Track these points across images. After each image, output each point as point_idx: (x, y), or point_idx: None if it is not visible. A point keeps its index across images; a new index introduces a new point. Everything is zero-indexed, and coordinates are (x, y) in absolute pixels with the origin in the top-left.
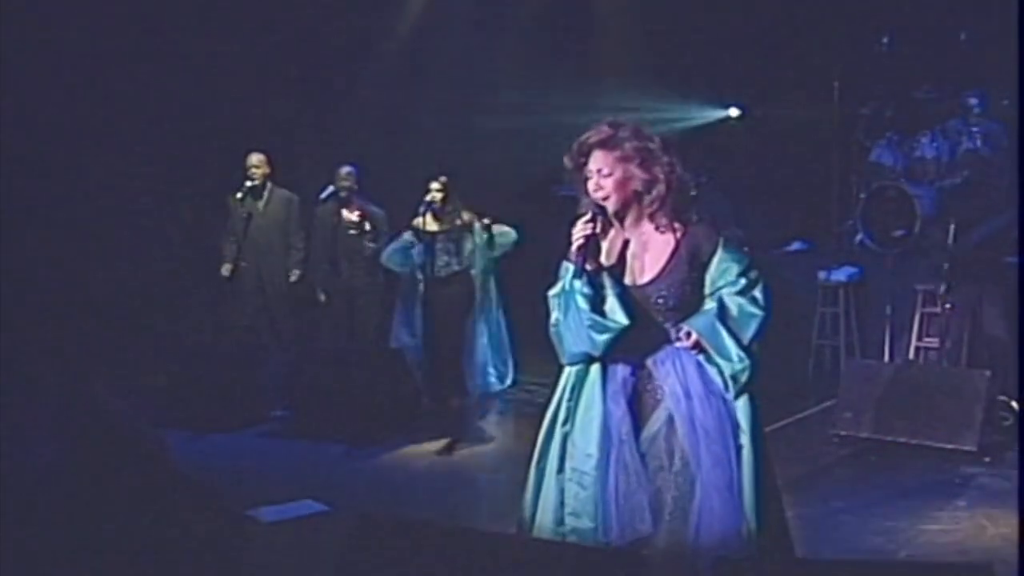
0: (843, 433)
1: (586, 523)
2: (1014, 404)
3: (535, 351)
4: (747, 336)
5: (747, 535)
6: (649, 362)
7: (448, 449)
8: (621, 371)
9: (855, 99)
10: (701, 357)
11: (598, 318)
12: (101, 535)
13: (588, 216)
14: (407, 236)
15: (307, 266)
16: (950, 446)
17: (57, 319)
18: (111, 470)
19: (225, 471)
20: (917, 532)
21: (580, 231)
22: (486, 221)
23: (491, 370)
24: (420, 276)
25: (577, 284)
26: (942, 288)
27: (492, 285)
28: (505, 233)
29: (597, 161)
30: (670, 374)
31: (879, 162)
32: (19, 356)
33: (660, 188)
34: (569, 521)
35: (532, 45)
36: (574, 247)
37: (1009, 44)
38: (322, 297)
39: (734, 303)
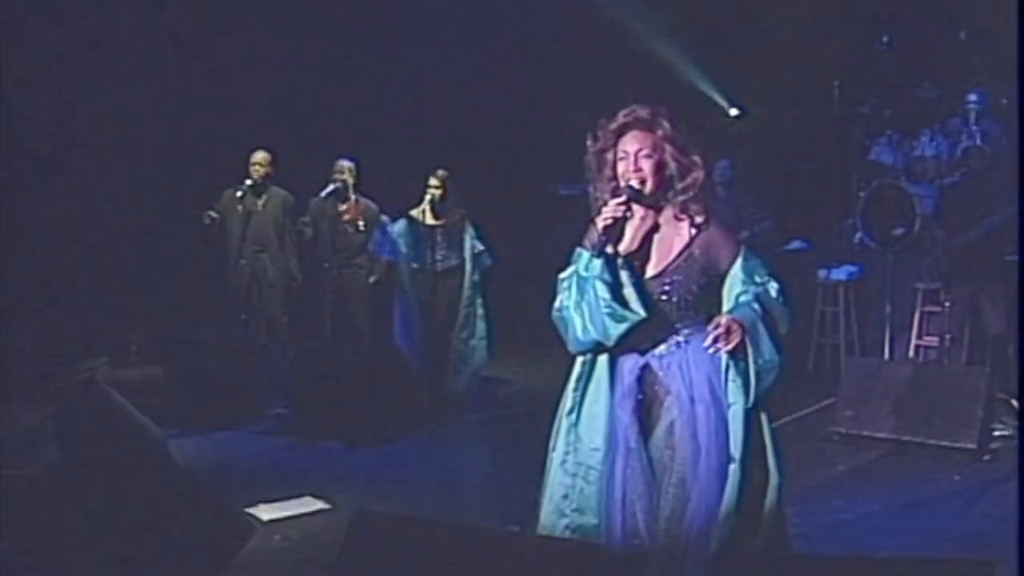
0: (843, 431)
1: (589, 520)
2: (1014, 402)
3: (534, 350)
4: (781, 331)
5: (740, 547)
6: (655, 363)
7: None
8: (628, 374)
9: (855, 98)
10: (724, 355)
11: (617, 306)
12: (100, 533)
13: (622, 198)
14: (400, 225)
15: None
16: (950, 444)
17: (57, 317)
18: (110, 468)
19: (224, 468)
20: (917, 530)
21: (611, 211)
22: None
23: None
24: (417, 269)
25: (596, 268)
26: (941, 286)
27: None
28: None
29: (636, 141)
30: (676, 377)
31: (879, 161)
32: (20, 355)
33: (698, 175)
34: (572, 516)
35: (531, 43)
36: (600, 227)
37: (1009, 43)
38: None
39: (769, 300)
